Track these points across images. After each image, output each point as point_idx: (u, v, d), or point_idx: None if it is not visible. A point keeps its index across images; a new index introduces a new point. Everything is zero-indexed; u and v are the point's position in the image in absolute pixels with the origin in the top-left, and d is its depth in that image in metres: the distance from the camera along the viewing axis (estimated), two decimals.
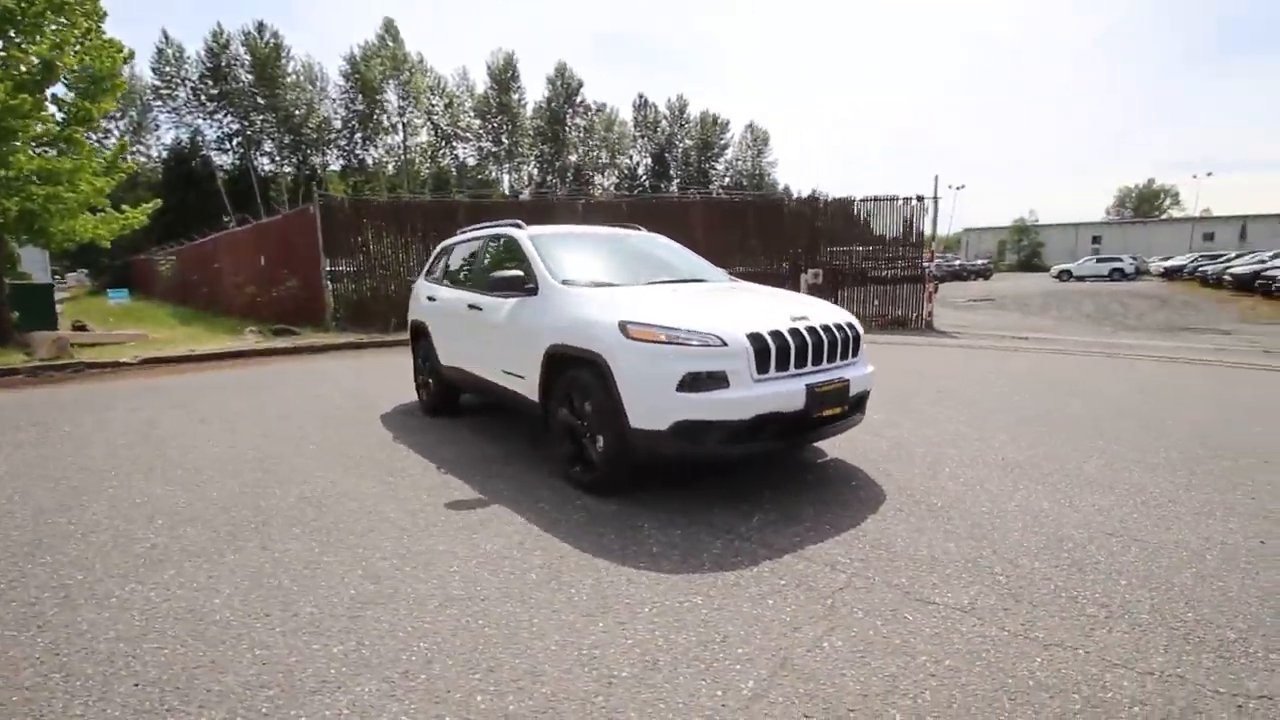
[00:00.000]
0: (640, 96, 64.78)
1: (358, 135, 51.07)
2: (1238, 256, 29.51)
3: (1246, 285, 21.66)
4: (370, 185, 46.52)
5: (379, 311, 13.16)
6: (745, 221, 14.74)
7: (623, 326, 3.31)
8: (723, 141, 70.07)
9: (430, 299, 5.61)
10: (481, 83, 55.28)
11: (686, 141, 69.54)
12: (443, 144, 54.28)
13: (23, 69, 9.25)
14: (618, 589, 2.56)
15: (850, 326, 3.66)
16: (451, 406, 5.70)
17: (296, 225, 13.81)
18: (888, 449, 4.38)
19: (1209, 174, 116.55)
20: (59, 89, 10.25)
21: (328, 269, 13.06)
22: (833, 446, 4.36)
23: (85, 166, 10.34)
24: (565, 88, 59.83)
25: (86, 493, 3.86)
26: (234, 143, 49.16)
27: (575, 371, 3.65)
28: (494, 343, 4.48)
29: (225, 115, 47.81)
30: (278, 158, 50.39)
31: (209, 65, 46.30)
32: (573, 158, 62.72)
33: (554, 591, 2.55)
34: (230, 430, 5.33)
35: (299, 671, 2.06)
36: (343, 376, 8.11)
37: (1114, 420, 5.12)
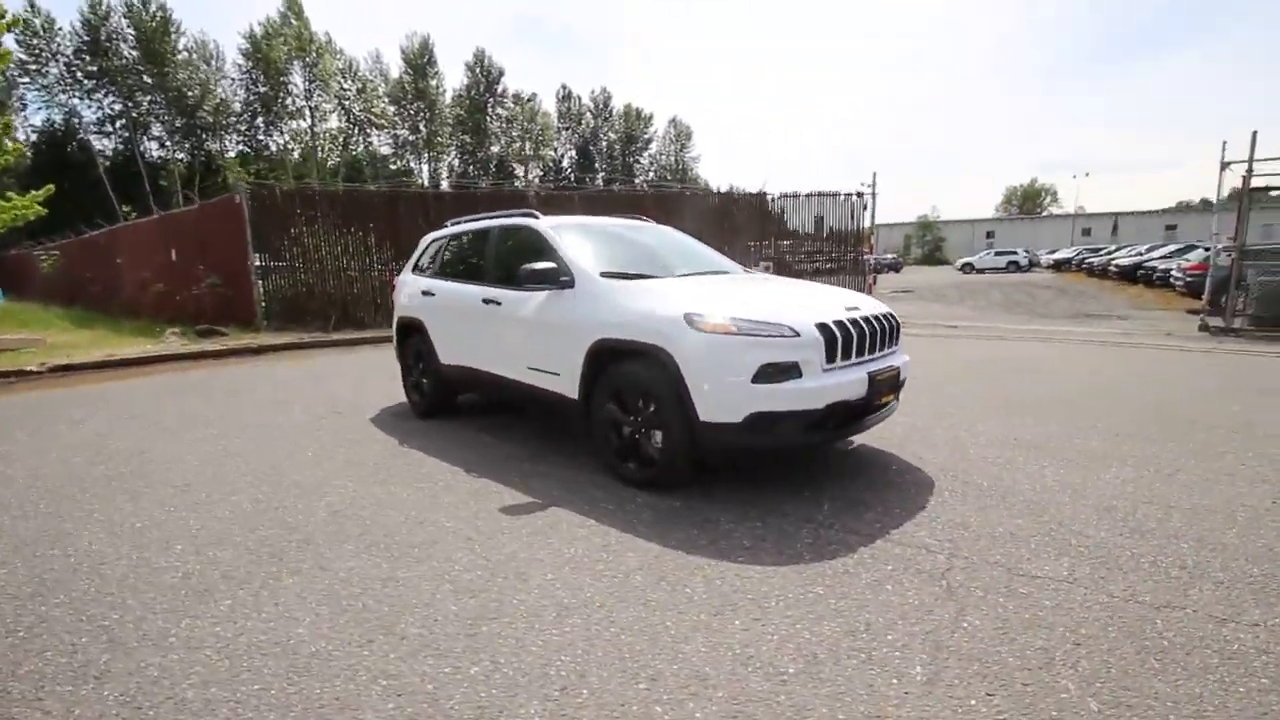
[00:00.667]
0: (564, 88, 63.96)
1: (260, 120, 47.38)
2: (1118, 249, 32.78)
3: (1129, 275, 24.14)
4: (275, 173, 43.31)
5: (318, 309, 12.36)
6: (699, 214, 14.88)
7: (689, 319, 3.25)
8: (646, 136, 70.44)
9: (425, 294, 5.29)
10: (396, 67, 52.73)
11: (610, 135, 69.35)
12: (355, 131, 51.35)
13: None
14: (731, 585, 2.52)
15: (892, 316, 3.77)
16: (449, 408, 5.43)
17: (217, 216, 12.68)
18: (904, 433, 4.55)
19: (1086, 174, 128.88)
20: None
21: (257, 264, 12.10)
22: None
23: None
24: (485, 75, 58.08)
25: (68, 519, 3.39)
26: (117, 125, 44.38)
27: (628, 366, 3.55)
28: (517, 339, 4.29)
29: (106, 95, 43.03)
30: (168, 143, 45.92)
31: (86, 39, 41.48)
32: (495, 149, 61.10)
33: (668, 592, 2.48)
34: (203, 441, 4.83)
35: (445, 699, 1.90)
36: (301, 380, 7.54)
37: (1090, 400, 5.57)
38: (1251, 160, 10.75)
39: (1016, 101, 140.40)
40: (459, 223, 5.53)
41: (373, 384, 7.05)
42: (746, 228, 14.32)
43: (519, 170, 61.66)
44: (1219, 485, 3.45)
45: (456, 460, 4.22)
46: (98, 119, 43.76)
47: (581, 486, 3.66)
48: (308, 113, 47.91)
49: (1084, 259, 34.77)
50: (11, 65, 39.65)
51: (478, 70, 57.65)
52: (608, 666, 2.03)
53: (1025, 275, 35.94)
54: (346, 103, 49.73)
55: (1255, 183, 10.99)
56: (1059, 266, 38.11)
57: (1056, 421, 4.82)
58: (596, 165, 67.61)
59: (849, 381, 3.27)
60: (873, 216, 14.64)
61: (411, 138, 54.45)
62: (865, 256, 14.63)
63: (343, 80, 49.16)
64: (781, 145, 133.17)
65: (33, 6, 39.67)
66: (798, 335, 3.15)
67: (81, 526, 3.28)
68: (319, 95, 47.88)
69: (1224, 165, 11.24)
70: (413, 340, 5.55)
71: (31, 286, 23.03)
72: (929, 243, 66.90)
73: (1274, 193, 11.33)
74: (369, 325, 12.60)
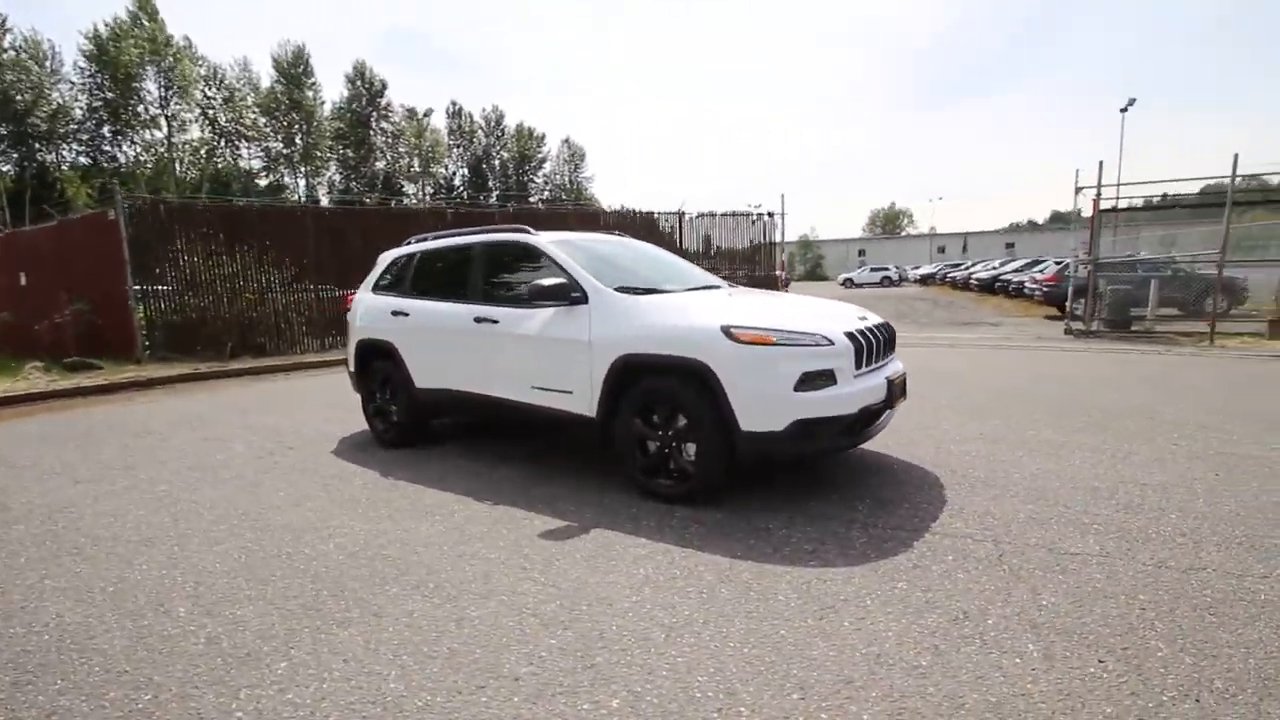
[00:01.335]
0: (454, 104, 62.56)
1: (106, 129, 42.18)
2: (975, 264, 36.76)
3: (989, 287, 27.19)
4: (126, 187, 38.64)
5: (211, 336, 11.15)
6: (627, 231, 14.89)
7: (727, 331, 3.29)
8: (540, 155, 70.30)
9: (396, 314, 4.95)
10: (268, 76, 49.07)
11: (504, 154, 68.54)
12: (220, 142, 47.05)
13: None
14: (819, 589, 2.57)
15: (890, 326, 4.03)
16: (423, 434, 5.10)
17: (85, 233, 11.13)
18: (883, 435, 4.83)
19: (940, 198, 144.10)
20: None
21: (136, 287, 10.72)
22: None
23: None
24: (368, 88, 55.53)
25: (13, 590, 2.83)
26: None
27: (657, 380, 3.53)
28: (519, 358, 4.13)
29: None
30: None
31: None
32: (380, 164, 58.38)
33: (762, 602, 2.48)
34: (135, 489, 4.21)
35: None
36: (221, 414, 6.76)
37: (1016, 397, 6.21)
38: (1100, 185, 12.56)
39: (874, 133, 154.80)
40: (427, 239, 5.25)
41: (310, 414, 6.47)
42: (663, 243, 14.67)
43: (408, 187, 59.27)
44: (1167, 464, 3.98)
45: (458, 489, 3.97)
46: None
47: (609, 506, 3.57)
48: (164, 122, 43.30)
49: (946, 274, 38.74)
50: None
51: (359, 83, 55.03)
52: (751, 681, 2.00)
53: (898, 289, 39.45)
54: (211, 112, 45.50)
55: (1103, 205, 12.83)
56: (925, 281, 42.15)
57: (1000, 418, 5.33)
58: (490, 184, 66.49)
59: (873, 386, 3.45)
60: (782, 234, 15.57)
61: (286, 151, 50.77)
62: (778, 272, 15.46)
63: (206, 88, 44.98)
64: (682, 168, 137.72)
65: None
66: (832, 344, 3.30)
67: (37, 597, 2.75)
68: (178, 103, 43.47)
69: (1078, 190, 13.06)
70: (378, 364, 5.17)
71: None
72: (810, 260, 71.69)
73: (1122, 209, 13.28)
74: (271, 352, 11.57)
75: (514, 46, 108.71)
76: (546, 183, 71.50)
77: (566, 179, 72.27)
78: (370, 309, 5.25)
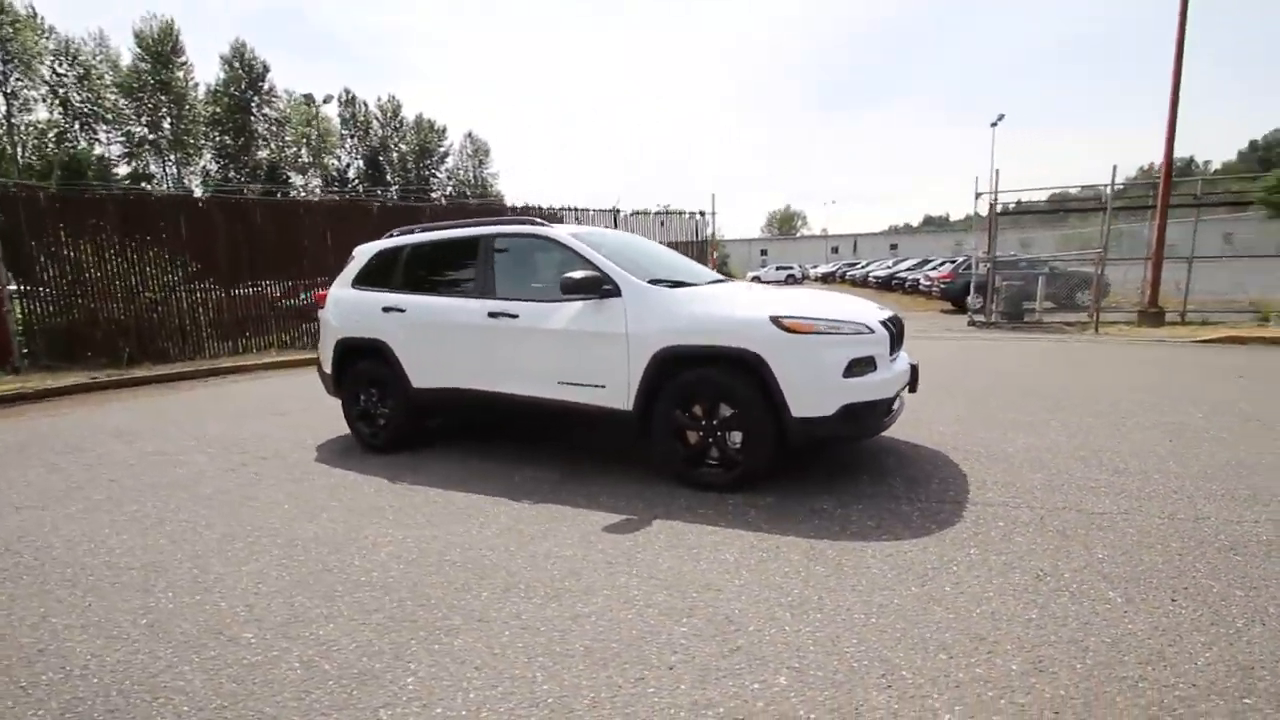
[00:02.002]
0: (346, 92, 58.85)
1: None
2: (870, 263, 39.46)
3: (886, 284, 29.34)
4: None
5: (106, 341, 9.91)
6: None
7: (776, 321, 3.40)
8: (442, 149, 67.75)
9: (388, 310, 4.66)
10: (129, 53, 43.86)
11: (402, 146, 65.42)
12: (74, 125, 41.59)
13: None
14: (903, 560, 2.72)
15: (900, 318, 4.29)
16: (417, 436, 4.85)
17: None
18: None
19: (834, 201, 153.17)
20: None
21: (11, 289, 9.34)
22: None
23: None
24: (247, 71, 51.07)
25: (14, 630, 2.43)
26: None
27: (701, 371, 3.58)
28: (544, 353, 4.02)
29: None
30: None
31: None
32: (264, 153, 53.91)
33: (860, 576, 2.60)
34: (98, 511, 3.73)
35: (794, 711, 1.82)
36: (151, 426, 6.06)
37: (962, 383, 6.80)
38: (995, 191, 13.92)
39: (770, 139, 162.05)
40: (413, 231, 4.98)
41: (261, 422, 5.95)
42: None
43: (296, 178, 55.16)
44: (1127, 435, 4.52)
45: (486, 491, 3.82)
46: None
47: (654, 497, 3.58)
48: (1, 100, 37.63)
49: (845, 272, 41.37)
50: None
51: (237, 65, 50.47)
52: (896, 648, 2.11)
53: (802, 287, 41.63)
54: (62, 91, 40.05)
55: (984, 207, 14.23)
56: (826, 279, 44.74)
57: (963, 402, 5.82)
58: (388, 177, 63.28)
59: (901, 372, 3.69)
60: (713, 234, 16.01)
61: (152, 136, 45.69)
62: (710, 268, 15.86)
63: (56, 64, 39.53)
64: (599, 167, 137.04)
65: None
66: (873, 332, 3.49)
67: (53, 637, 2.39)
68: (19, 79, 37.90)
69: (977, 195, 14.38)
70: (364, 365, 4.85)
71: None
72: (718, 258, 73.84)
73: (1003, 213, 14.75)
74: (177, 358, 10.47)
75: (414, 38, 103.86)
76: (450, 177, 69.05)
77: (471, 174, 70.14)
78: (352, 306, 4.91)
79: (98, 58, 41.66)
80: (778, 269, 49.81)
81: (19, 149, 38.51)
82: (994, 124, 37.05)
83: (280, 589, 2.70)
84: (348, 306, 4.94)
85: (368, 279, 4.96)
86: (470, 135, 69.93)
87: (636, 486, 3.77)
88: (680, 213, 15.46)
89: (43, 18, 37.93)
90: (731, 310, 3.60)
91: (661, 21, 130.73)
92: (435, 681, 2.03)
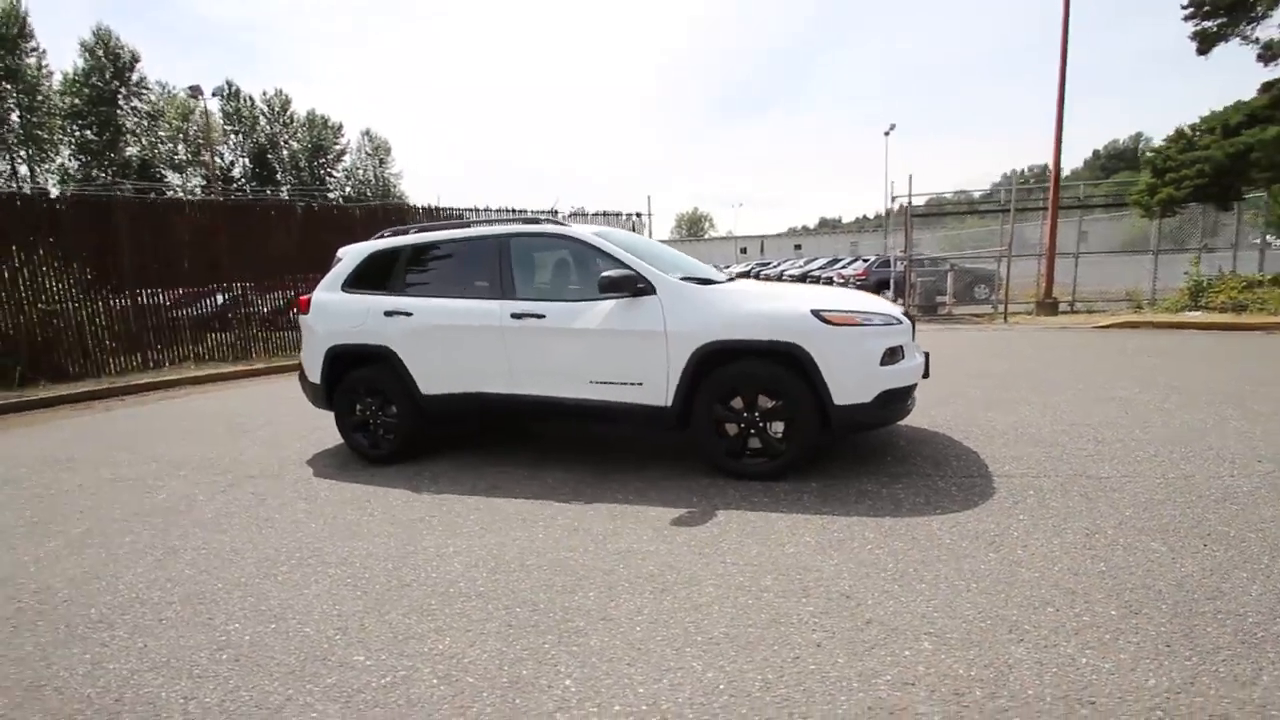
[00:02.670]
0: (229, 84, 54.23)
1: None
2: (782, 263, 41.23)
3: (800, 282, 30.86)
4: None
5: None
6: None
7: (818, 314, 3.56)
8: (339, 147, 63.94)
9: (391, 314, 4.43)
10: None
11: (294, 144, 61.18)
12: None
13: None
14: (967, 529, 2.94)
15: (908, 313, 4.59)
16: (421, 445, 4.65)
17: None
18: None
19: (741, 204, 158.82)
20: None
21: None
22: None
23: None
24: (113, 60, 46.03)
25: (74, 678, 2.15)
26: None
27: (744, 365, 3.68)
28: (576, 353, 3.98)
29: None
30: None
31: None
32: (134, 149, 48.77)
33: (939, 548, 2.79)
34: (86, 548, 3.34)
35: (964, 676, 1.96)
36: (87, 452, 5.44)
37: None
38: (910, 195, 15.03)
39: (671, 146, 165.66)
40: (407, 231, 4.77)
41: (219, 440, 5.48)
42: None
43: (173, 177, 50.32)
44: (1084, 409, 5.07)
45: (525, 494, 3.75)
46: None
47: (702, 490, 3.65)
48: None
49: (759, 271, 42.97)
50: None
51: (101, 53, 45.37)
52: (1012, 607, 2.30)
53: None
54: None
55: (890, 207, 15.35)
56: (741, 277, 46.29)
57: (929, 387, 6.29)
58: (280, 176, 59.02)
59: (921, 360, 3.97)
60: (650, 234, 16.19)
61: None
62: None
63: None
64: (506, 171, 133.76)
65: None
66: (901, 323, 3.74)
67: (119, 684, 2.13)
68: None
69: (893, 198, 15.48)
70: (362, 372, 4.59)
71: None
72: None
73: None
74: (79, 376, 9.37)
75: (308, 31, 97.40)
76: (349, 177, 65.29)
77: (372, 174, 66.67)
78: (345, 310, 4.62)
79: None
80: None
81: None
82: (887, 133, 39.97)
83: (364, 608, 2.54)
84: (339, 311, 4.65)
85: (361, 282, 4.69)
86: (369, 133, 66.40)
87: (677, 480, 3.82)
88: (618, 214, 15.54)
89: None
90: (772, 306, 3.73)
91: (564, 25, 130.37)
92: (595, 681, 2.01)
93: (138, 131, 48.14)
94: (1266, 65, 11.58)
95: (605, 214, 15.49)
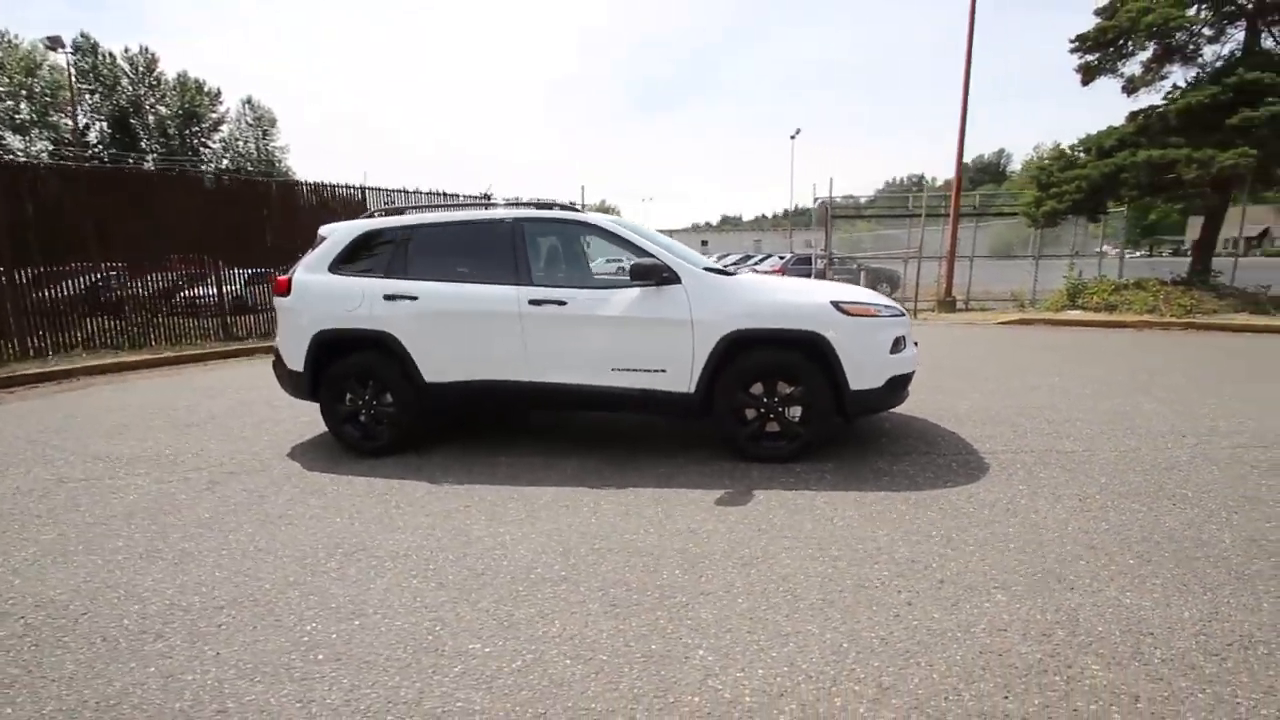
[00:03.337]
0: (84, 37, 47.73)
1: None
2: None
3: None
4: None
5: None
6: (290, 211, 11.71)
7: (838, 305, 3.81)
8: (215, 115, 58.11)
9: (393, 299, 4.22)
10: None
11: (161, 109, 54.95)
12: None
13: None
14: (986, 499, 3.29)
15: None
16: (418, 435, 4.48)
17: None
18: None
19: (651, 199, 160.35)
20: None
21: None
22: None
23: None
24: None
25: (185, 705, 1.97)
26: None
27: (766, 353, 3.87)
28: (598, 340, 4.00)
29: None
30: None
31: None
32: None
33: (969, 516, 3.11)
34: (70, 554, 3.00)
35: (1069, 633, 2.24)
36: (7, 452, 4.77)
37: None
38: (831, 196, 15.97)
39: (578, 139, 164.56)
40: (405, 211, 4.56)
41: (166, 434, 5.01)
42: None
43: (13, 139, 43.72)
44: (1029, 395, 5.71)
45: (555, 482, 3.75)
46: None
47: (725, 473, 3.80)
48: None
49: None
50: None
51: None
52: (1052, 562, 2.62)
53: None
54: None
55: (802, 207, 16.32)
56: None
57: (941, 375, 6.82)
58: (144, 143, 52.85)
59: (916, 349, 4.34)
60: None
61: None
62: None
63: None
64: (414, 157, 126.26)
65: None
66: (904, 315, 4.07)
67: (210, 695, 1.98)
68: None
69: (816, 199, 16.37)
70: (353, 359, 4.34)
71: None
72: None
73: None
74: None
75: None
76: (227, 149, 59.51)
77: (254, 146, 61.12)
78: (336, 293, 4.35)
79: None
80: (608, 261, 51.08)
81: None
82: (793, 136, 41.95)
83: (445, 600, 2.48)
84: (326, 294, 4.37)
85: (351, 263, 4.43)
86: (250, 102, 60.59)
87: (699, 465, 3.96)
88: (551, 204, 15.30)
89: None
90: (794, 297, 3.94)
91: (476, 18, 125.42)
92: (726, 649, 2.11)
93: None
94: (1129, 96, 13.38)
95: (538, 202, 15.20)
